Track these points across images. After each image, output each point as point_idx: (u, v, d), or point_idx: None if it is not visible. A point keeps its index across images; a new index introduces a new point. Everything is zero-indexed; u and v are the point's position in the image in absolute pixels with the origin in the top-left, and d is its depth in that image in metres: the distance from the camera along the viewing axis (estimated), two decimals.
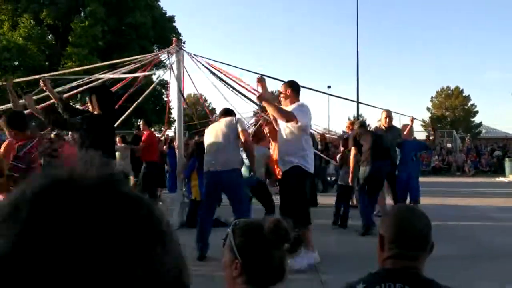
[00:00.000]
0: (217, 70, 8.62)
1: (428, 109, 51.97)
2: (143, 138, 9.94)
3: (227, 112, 5.97)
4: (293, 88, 5.29)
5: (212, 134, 5.55)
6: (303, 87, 5.96)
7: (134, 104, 9.75)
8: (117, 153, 10.50)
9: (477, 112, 50.81)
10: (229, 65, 8.88)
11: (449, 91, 51.39)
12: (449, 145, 28.69)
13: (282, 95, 5.29)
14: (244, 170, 5.98)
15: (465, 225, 8.06)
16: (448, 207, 10.35)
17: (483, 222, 8.51)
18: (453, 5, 76.03)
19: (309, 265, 4.99)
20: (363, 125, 8.07)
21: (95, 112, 4.83)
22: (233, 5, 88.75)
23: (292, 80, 5.51)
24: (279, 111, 5.05)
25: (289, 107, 5.14)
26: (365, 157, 7.38)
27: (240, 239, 1.50)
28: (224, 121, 5.60)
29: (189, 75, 8.67)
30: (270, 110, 5.21)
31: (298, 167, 5.05)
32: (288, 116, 4.97)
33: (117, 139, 10.88)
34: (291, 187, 5.09)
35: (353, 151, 7.73)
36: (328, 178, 14.96)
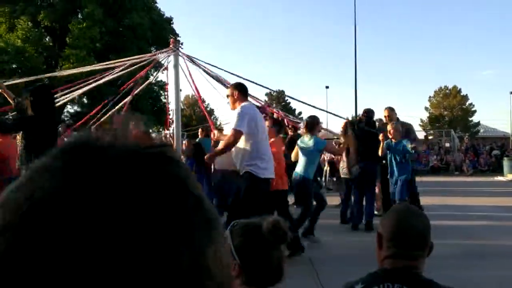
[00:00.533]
0: (213, 74, 8.66)
1: (426, 108, 52.05)
2: None
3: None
4: (240, 90, 5.24)
5: None
6: (299, 101, 6.07)
7: (122, 102, 9.69)
8: None
9: (475, 111, 50.91)
10: (222, 69, 8.86)
11: (447, 91, 51.48)
12: (447, 145, 28.72)
13: (229, 97, 5.26)
14: None
15: (464, 225, 8.06)
16: (446, 207, 10.36)
17: (482, 221, 8.51)
18: (450, 5, 76.24)
19: None
20: (352, 123, 8.06)
21: (29, 113, 4.74)
22: (232, 5, 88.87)
23: (239, 82, 5.61)
24: (223, 147, 5.11)
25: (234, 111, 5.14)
26: (352, 158, 7.47)
27: (238, 240, 1.50)
28: None
29: (186, 76, 8.66)
30: (221, 153, 5.29)
31: (250, 174, 4.98)
32: (232, 139, 4.96)
33: None
34: (243, 192, 5.05)
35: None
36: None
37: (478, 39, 74.31)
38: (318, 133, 6.80)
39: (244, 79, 8.58)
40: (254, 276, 1.48)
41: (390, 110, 8.04)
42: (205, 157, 5.69)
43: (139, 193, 0.38)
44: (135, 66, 9.06)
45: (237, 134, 4.89)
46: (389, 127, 7.31)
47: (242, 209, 4.92)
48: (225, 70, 8.82)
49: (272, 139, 5.96)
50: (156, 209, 0.38)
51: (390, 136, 7.25)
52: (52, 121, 5.06)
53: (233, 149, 5.07)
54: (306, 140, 6.41)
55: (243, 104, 5.09)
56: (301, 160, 6.39)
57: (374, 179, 7.62)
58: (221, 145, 5.21)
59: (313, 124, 6.58)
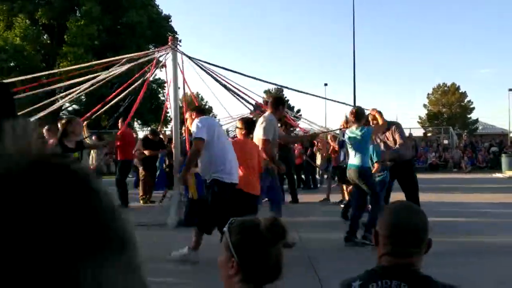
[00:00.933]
0: (211, 72, 8.65)
1: (425, 105, 52.07)
2: (117, 136, 10.07)
3: None
4: (196, 111, 5.73)
5: None
6: (297, 90, 6.22)
7: (113, 100, 9.70)
8: (92, 151, 10.57)
9: (473, 108, 50.94)
10: (221, 67, 8.85)
11: (446, 88, 51.47)
12: (445, 142, 28.75)
13: (189, 119, 5.76)
14: None
15: (462, 221, 8.07)
16: (445, 204, 10.37)
17: (480, 218, 8.53)
18: (448, 3, 76.19)
19: (182, 258, 5.22)
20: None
21: None
22: (230, 3, 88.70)
23: (195, 106, 6.30)
24: (190, 158, 5.56)
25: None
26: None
27: (236, 237, 1.50)
28: None
29: (183, 74, 8.66)
30: (189, 165, 5.62)
31: (216, 181, 5.22)
32: (195, 149, 5.30)
33: (94, 137, 10.99)
34: (211, 197, 5.28)
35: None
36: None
37: (476, 37, 74.31)
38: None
39: (242, 74, 8.59)
40: (252, 273, 1.48)
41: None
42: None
43: (31, 208, 0.35)
44: (133, 63, 9.04)
45: (199, 142, 5.21)
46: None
47: (211, 215, 5.15)
48: (223, 68, 8.80)
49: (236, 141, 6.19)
50: (48, 226, 0.35)
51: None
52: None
53: (199, 159, 5.39)
54: (355, 130, 6.44)
55: (200, 117, 5.48)
56: (352, 152, 6.49)
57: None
58: (188, 158, 5.62)
59: (361, 114, 6.64)
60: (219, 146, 5.30)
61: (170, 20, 36.61)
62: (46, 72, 12.66)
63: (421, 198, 8.16)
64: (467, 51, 72.56)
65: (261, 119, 6.57)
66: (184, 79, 8.79)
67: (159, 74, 24.31)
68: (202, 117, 5.50)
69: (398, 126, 7.57)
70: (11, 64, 29.65)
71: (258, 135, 6.34)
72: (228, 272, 1.49)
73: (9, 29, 30.48)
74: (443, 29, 74.81)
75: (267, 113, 6.61)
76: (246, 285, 1.48)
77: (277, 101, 6.87)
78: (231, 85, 8.74)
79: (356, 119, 6.49)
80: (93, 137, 10.96)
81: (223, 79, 8.74)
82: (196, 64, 8.54)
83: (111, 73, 8.81)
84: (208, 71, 8.70)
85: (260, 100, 9.80)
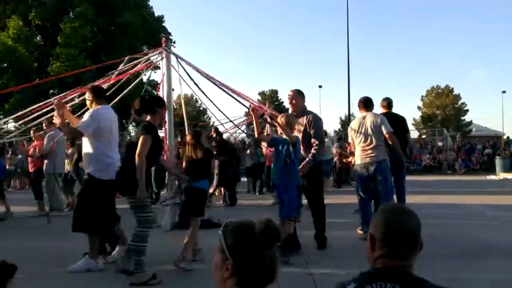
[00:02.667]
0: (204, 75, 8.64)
1: (419, 108, 52.33)
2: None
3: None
4: (94, 93, 5.40)
5: None
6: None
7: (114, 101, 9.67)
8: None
9: (467, 110, 51.25)
10: (209, 78, 8.79)
11: (439, 90, 51.74)
12: (440, 144, 28.87)
13: (87, 100, 5.44)
14: None
15: (456, 223, 8.10)
16: (439, 205, 10.41)
17: (474, 220, 8.56)
18: (442, 6, 76.62)
19: (88, 269, 5.09)
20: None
21: None
22: (225, 4, 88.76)
23: (95, 85, 5.86)
24: (73, 120, 5.28)
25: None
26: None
27: (231, 240, 1.49)
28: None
29: (180, 76, 8.63)
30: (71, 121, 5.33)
31: (92, 177, 5.16)
32: (78, 131, 5.13)
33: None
34: (87, 196, 5.19)
35: None
36: None
37: (470, 39, 74.87)
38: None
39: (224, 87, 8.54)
40: (247, 276, 1.47)
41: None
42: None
43: None
44: (128, 64, 9.00)
45: (81, 131, 5.09)
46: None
47: (86, 211, 5.10)
48: (206, 77, 8.72)
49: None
50: None
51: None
52: None
53: (86, 153, 5.30)
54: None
55: (99, 106, 5.28)
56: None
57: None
58: (70, 129, 5.29)
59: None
60: (102, 142, 5.20)
61: (163, 20, 36.62)
62: (42, 79, 12.55)
63: (415, 199, 8.20)
64: (460, 53, 73.21)
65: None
66: (161, 81, 8.73)
67: (153, 75, 24.30)
68: (98, 108, 5.26)
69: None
70: (4, 65, 29.51)
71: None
72: (223, 275, 1.48)
73: (2, 30, 30.35)
74: (437, 32, 75.30)
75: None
76: None
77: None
78: (224, 86, 8.71)
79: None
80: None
81: (216, 81, 8.71)
82: (190, 66, 8.52)
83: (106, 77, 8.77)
84: (202, 72, 8.67)
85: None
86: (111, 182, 5.13)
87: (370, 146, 6.56)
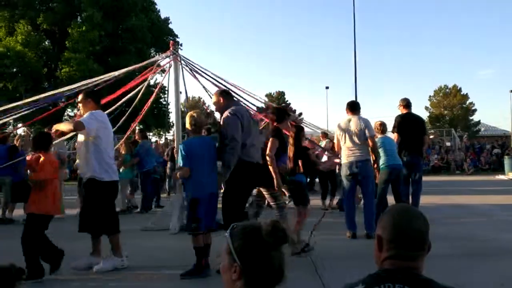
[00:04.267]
0: (210, 77, 8.67)
1: (426, 108, 51.99)
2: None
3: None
4: (91, 98, 5.39)
5: None
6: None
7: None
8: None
9: (475, 110, 50.86)
10: (216, 78, 8.84)
11: (447, 90, 51.40)
12: (448, 144, 28.71)
13: (80, 104, 5.42)
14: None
15: (465, 224, 8.05)
16: (448, 206, 10.36)
17: (484, 220, 8.51)
18: (449, 5, 76.25)
19: (114, 267, 5.14)
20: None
21: None
22: (231, 6, 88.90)
23: (90, 90, 5.73)
24: (65, 126, 5.37)
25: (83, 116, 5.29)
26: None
27: (238, 242, 1.49)
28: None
29: (183, 78, 8.67)
30: (63, 129, 5.38)
31: (93, 180, 5.14)
32: (76, 125, 5.10)
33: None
34: (91, 199, 5.20)
35: None
36: None
37: (477, 39, 74.38)
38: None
39: (234, 86, 8.59)
40: (255, 278, 1.47)
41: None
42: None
43: None
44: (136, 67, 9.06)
45: (79, 126, 5.03)
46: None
47: (95, 212, 5.12)
48: (215, 79, 8.78)
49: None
50: None
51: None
52: None
53: (80, 152, 5.30)
54: None
55: (97, 110, 5.28)
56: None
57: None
58: (64, 125, 5.44)
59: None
60: (102, 145, 5.22)
61: (169, 22, 36.74)
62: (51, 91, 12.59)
63: (424, 200, 8.15)
64: (468, 53, 72.67)
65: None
66: (191, 89, 8.81)
67: (160, 78, 24.38)
68: (96, 111, 5.28)
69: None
70: (14, 70, 29.74)
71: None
72: (231, 277, 1.49)
73: (11, 35, 30.59)
74: (444, 31, 74.91)
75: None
76: None
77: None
78: (232, 85, 8.73)
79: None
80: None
81: (223, 82, 8.73)
82: (196, 68, 8.56)
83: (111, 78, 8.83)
84: (208, 75, 8.71)
85: (258, 104, 9.75)
86: (114, 182, 5.24)
87: (355, 146, 6.92)
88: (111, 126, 5.47)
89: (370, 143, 6.88)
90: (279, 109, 6.54)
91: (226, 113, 5.21)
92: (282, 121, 6.10)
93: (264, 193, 5.90)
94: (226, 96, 5.58)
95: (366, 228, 6.78)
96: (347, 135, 6.92)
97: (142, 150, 10.82)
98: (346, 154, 6.96)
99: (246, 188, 5.35)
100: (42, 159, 4.82)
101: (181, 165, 5.04)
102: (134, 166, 10.75)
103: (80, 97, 5.44)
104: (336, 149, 7.66)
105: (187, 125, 5.17)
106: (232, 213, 5.08)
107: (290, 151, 6.17)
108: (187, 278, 4.81)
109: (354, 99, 28.23)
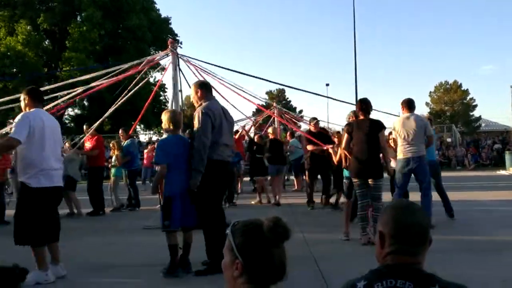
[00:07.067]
0: (210, 75, 8.66)
1: (427, 104, 51.89)
2: (92, 143, 10.02)
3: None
4: (28, 95, 5.04)
5: None
6: (298, 89, 5.98)
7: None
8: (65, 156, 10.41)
9: (476, 106, 50.77)
10: (221, 67, 8.87)
11: (448, 86, 51.30)
12: (449, 140, 28.69)
13: (22, 102, 5.07)
14: None
15: (467, 219, 8.04)
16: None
17: (485, 215, 8.51)
18: (447, 1, 76.10)
19: (36, 282, 4.67)
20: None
21: None
22: (230, 4, 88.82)
23: (31, 87, 5.31)
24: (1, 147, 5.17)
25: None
26: None
27: (239, 239, 1.50)
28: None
29: (184, 76, 8.67)
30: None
31: (23, 185, 4.80)
32: (12, 144, 4.80)
33: (66, 144, 10.85)
34: (22, 205, 4.83)
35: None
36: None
37: (478, 34, 74.26)
38: None
39: (243, 73, 8.59)
40: (257, 274, 1.48)
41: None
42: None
43: None
44: (134, 62, 9.05)
45: (13, 142, 4.71)
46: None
47: (25, 222, 4.74)
48: (223, 67, 8.81)
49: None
50: None
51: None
52: None
53: (18, 160, 4.99)
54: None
55: (31, 110, 4.92)
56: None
57: None
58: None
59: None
60: (33, 148, 4.80)
61: (170, 22, 36.70)
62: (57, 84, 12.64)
63: None
64: (468, 48, 72.54)
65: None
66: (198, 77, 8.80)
67: (159, 76, 24.40)
68: (31, 112, 4.89)
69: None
70: (14, 70, 29.73)
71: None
72: (233, 274, 1.49)
73: (11, 35, 30.57)
74: (444, 27, 74.76)
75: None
76: (251, 286, 1.48)
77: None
78: (231, 85, 8.76)
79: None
80: (66, 144, 10.82)
81: (223, 80, 8.75)
82: (196, 66, 8.56)
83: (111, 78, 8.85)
84: (209, 72, 8.71)
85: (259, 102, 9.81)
86: (45, 189, 4.78)
87: (414, 143, 7.10)
88: (53, 124, 5.06)
89: (430, 141, 7.31)
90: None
91: (198, 110, 5.14)
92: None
93: (370, 183, 6.24)
94: (204, 88, 5.43)
95: None
96: (406, 132, 7.11)
97: (132, 148, 10.87)
98: (404, 150, 7.15)
99: (218, 187, 5.22)
100: None
101: (158, 162, 5.06)
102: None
103: (22, 95, 5.12)
104: (392, 146, 7.77)
105: (163, 124, 5.13)
106: (207, 212, 5.04)
107: (341, 148, 6.78)
108: (168, 277, 4.82)
109: (354, 96, 28.22)
